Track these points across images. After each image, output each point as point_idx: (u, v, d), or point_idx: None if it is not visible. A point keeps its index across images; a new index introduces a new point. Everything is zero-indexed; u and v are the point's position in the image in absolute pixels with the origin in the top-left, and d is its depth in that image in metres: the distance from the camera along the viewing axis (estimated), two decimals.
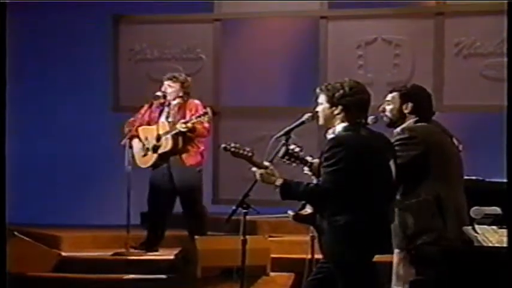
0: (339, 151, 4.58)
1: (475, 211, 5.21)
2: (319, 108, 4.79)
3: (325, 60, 8.90)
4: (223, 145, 5.15)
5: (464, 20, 8.59)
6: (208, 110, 7.57)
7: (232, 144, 5.15)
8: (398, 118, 5.33)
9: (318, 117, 4.85)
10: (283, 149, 5.05)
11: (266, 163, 4.78)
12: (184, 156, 7.67)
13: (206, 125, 7.65)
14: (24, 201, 9.42)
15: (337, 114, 4.71)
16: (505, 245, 4.81)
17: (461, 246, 5.06)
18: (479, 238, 5.05)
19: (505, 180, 5.28)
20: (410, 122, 5.31)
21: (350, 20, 8.95)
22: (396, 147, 5.11)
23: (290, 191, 4.67)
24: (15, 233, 7.41)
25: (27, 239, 7.52)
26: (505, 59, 7.96)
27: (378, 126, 5.11)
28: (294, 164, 5.16)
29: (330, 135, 4.75)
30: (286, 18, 9.27)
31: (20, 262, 7.21)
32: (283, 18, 9.27)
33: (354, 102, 4.71)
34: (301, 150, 5.15)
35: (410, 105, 5.32)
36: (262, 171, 4.72)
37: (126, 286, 7.27)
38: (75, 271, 7.43)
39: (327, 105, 4.74)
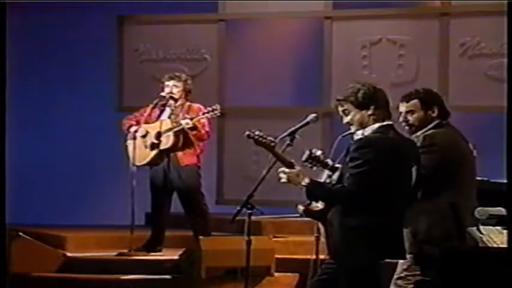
0: (366, 152, 4.54)
1: (479, 212, 5.21)
2: (348, 118, 4.70)
3: (330, 61, 8.89)
4: (247, 132, 5.13)
5: (469, 20, 8.58)
6: (218, 106, 7.52)
7: (257, 132, 5.13)
8: (425, 124, 5.30)
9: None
10: (307, 152, 5.04)
11: (292, 160, 4.77)
12: (180, 155, 7.66)
13: (207, 128, 7.64)
14: (29, 201, 9.44)
15: (371, 114, 4.67)
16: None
17: (465, 247, 5.06)
18: (484, 239, 5.05)
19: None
20: (429, 126, 5.28)
21: (355, 21, 8.95)
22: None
23: (316, 192, 4.65)
24: (20, 233, 7.41)
25: (32, 239, 7.52)
26: (505, 60, 7.96)
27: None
28: (314, 168, 5.15)
29: (358, 136, 4.70)
30: (290, 18, 9.27)
31: (24, 262, 7.21)
32: (288, 18, 9.27)
33: (380, 98, 4.69)
34: (323, 153, 5.14)
35: (436, 108, 5.29)
36: (288, 172, 4.69)
37: (131, 286, 7.28)
38: (80, 271, 7.44)
39: (356, 110, 4.68)
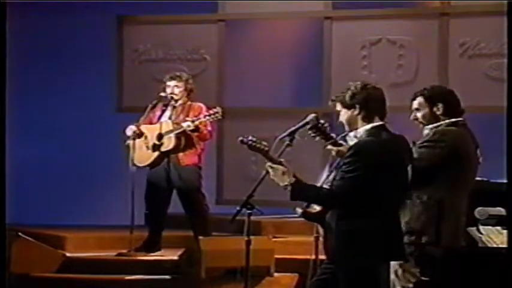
0: (359, 159, 4.53)
1: (479, 212, 5.22)
2: (340, 117, 4.74)
3: (330, 61, 8.90)
4: (240, 138, 5.15)
5: (468, 20, 8.59)
6: (219, 109, 7.54)
7: (250, 138, 5.15)
8: (433, 121, 5.32)
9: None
10: (313, 119, 5.06)
11: (282, 160, 4.77)
12: (180, 155, 7.66)
13: (209, 128, 7.64)
14: (29, 201, 9.43)
15: (358, 114, 4.66)
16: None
17: (466, 247, 5.06)
18: (484, 239, 5.06)
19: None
20: (443, 123, 5.29)
21: (354, 21, 8.95)
22: (422, 148, 5.13)
23: (300, 193, 4.64)
24: (20, 233, 7.41)
25: (31, 239, 7.52)
26: (505, 60, 7.96)
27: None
28: (317, 138, 5.16)
29: (352, 139, 4.70)
30: (290, 18, 9.27)
31: (24, 263, 7.22)
32: (288, 18, 9.27)
33: (365, 97, 4.67)
34: (328, 126, 5.16)
35: (441, 105, 5.31)
36: (276, 166, 4.71)
37: (130, 287, 7.28)
38: (80, 272, 7.44)
39: (344, 110, 4.70)
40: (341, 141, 5.13)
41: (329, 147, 5.17)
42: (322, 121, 5.13)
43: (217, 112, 7.50)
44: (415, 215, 5.13)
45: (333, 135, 5.14)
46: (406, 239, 5.09)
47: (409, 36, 8.75)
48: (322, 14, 9.02)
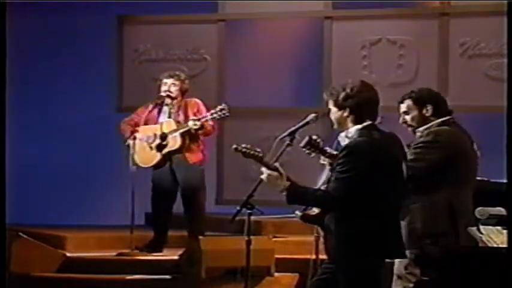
0: (352, 160, 4.53)
1: (480, 212, 5.22)
2: (330, 114, 4.75)
3: (330, 61, 8.90)
4: (234, 146, 5.17)
5: (468, 20, 8.59)
6: (225, 106, 7.48)
7: (243, 145, 5.17)
8: (423, 122, 5.34)
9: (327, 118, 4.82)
10: (306, 138, 5.08)
11: (276, 164, 4.77)
12: (187, 154, 7.63)
13: (211, 122, 7.59)
14: (29, 201, 9.43)
15: (347, 116, 4.67)
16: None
17: (466, 247, 5.06)
18: (484, 239, 5.05)
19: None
20: (434, 123, 5.31)
21: (354, 21, 8.96)
22: (418, 149, 5.14)
23: (297, 196, 4.65)
24: (20, 233, 7.42)
25: (31, 239, 7.52)
26: (505, 60, 7.97)
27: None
28: (312, 154, 5.18)
29: (343, 139, 4.70)
30: (290, 18, 9.28)
31: (24, 262, 7.22)
32: (288, 18, 9.27)
33: (357, 102, 4.66)
34: (322, 141, 5.18)
35: (430, 107, 5.33)
36: (270, 172, 4.71)
37: (131, 286, 7.28)
38: (80, 271, 7.44)
39: (335, 109, 4.71)
40: (334, 152, 5.12)
41: (321, 160, 5.18)
42: (314, 137, 5.14)
43: (223, 109, 7.43)
44: (429, 218, 5.15)
45: (327, 148, 5.15)
46: (422, 242, 5.10)
47: (409, 36, 8.75)
48: (322, 14, 9.02)
